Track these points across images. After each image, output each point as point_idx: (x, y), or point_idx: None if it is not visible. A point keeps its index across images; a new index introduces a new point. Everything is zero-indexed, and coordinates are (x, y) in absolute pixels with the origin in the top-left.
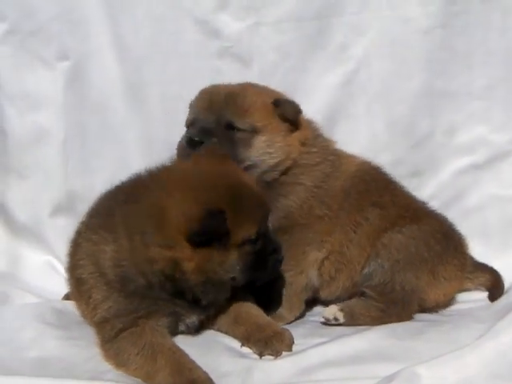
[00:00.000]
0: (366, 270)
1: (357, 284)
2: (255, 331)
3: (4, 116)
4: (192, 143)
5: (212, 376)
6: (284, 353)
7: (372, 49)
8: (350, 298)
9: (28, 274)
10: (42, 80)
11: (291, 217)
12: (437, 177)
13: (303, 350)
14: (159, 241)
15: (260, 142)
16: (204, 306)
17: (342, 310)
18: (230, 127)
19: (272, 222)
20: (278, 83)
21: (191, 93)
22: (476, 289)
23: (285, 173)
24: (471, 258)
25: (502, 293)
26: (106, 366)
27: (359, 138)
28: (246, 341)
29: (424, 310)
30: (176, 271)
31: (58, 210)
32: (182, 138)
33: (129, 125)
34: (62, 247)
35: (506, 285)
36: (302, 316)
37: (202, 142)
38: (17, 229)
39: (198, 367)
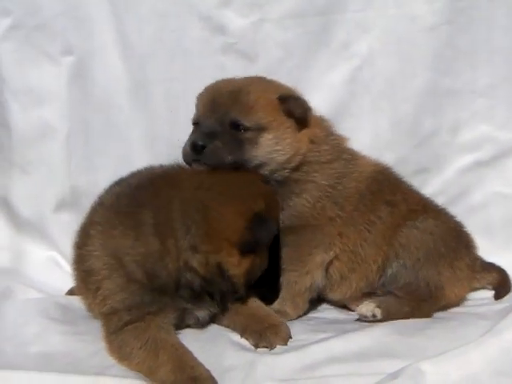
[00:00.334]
0: (389, 272)
1: (372, 284)
2: (252, 322)
3: (8, 111)
4: (196, 148)
5: (215, 370)
6: (288, 348)
7: (376, 46)
8: (361, 298)
9: (32, 269)
10: (46, 75)
11: (303, 216)
12: (441, 175)
13: (307, 346)
14: (206, 248)
15: (267, 139)
16: (221, 303)
17: (379, 306)
18: (235, 126)
19: (283, 220)
20: (282, 79)
21: (195, 90)
22: (483, 288)
23: (296, 170)
24: (480, 258)
25: (508, 291)
26: (111, 361)
27: (363, 135)
28: (243, 332)
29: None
30: (220, 276)
31: (62, 205)
32: (185, 144)
33: (132, 122)
34: (66, 243)
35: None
36: (306, 313)
37: (205, 146)
38: (20, 224)
39: (201, 364)
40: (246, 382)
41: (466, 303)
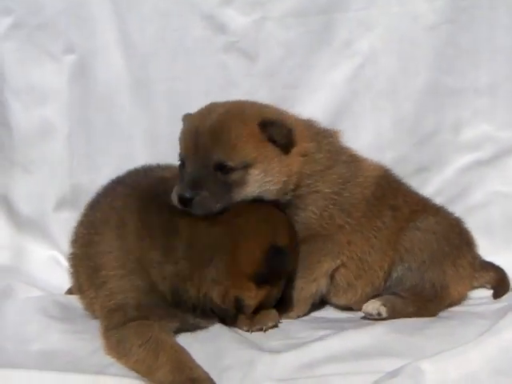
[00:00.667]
0: (394, 275)
1: (378, 289)
2: None
3: (9, 110)
4: (183, 202)
5: (214, 369)
6: (287, 347)
7: (378, 45)
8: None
9: (32, 267)
10: (47, 74)
11: (311, 227)
12: (442, 173)
13: (306, 344)
14: (227, 283)
15: (255, 175)
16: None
17: (384, 304)
18: (220, 168)
19: None
20: (283, 78)
21: (197, 88)
22: (481, 287)
23: (297, 187)
24: (480, 257)
25: (506, 291)
26: (110, 360)
27: (364, 134)
28: None
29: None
30: (235, 307)
31: (63, 204)
32: (174, 191)
33: (134, 120)
34: (67, 241)
35: (511, 282)
36: (306, 314)
37: (192, 199)
38: (21, 223)
39: (199, 367)
40: (245, 382)
41: (465, 302)
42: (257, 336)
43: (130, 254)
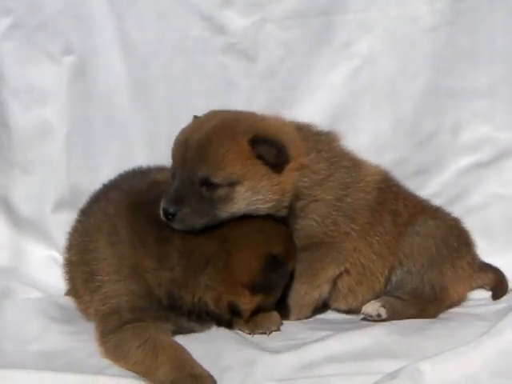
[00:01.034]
0: (394, 279)
1: (378, 294)
2: None
3: (8, 110)
4: (167, 216)
5: (214, 369)
6: (287, 347)
7: (377, 47)
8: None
9: (31, 268)
10: (46, 74)
11: (314, 235)
12: (441, 175)
13: (306, 345)
14: (221, 289)
15: (241, 193)
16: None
17: (384, 306)
18: (205, 183)
19: None
20: (282, 79)
21: (197, 89)
22: (479, 288)
23: (296, 200)
24: (478, 257)
25: (505, 292)
26: (109, 361)
27: (363, 135)
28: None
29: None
30: (230, 311)
31: (62, 204)
32: (161, 203)
33: (133, 121)
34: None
35: (509, 283)
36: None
37: (175, 214)
38: (20, 223)
39: (200, 365)
40: (245, 382)
41: (464, 304)
42: (257, 336)
43: (124, 260)
